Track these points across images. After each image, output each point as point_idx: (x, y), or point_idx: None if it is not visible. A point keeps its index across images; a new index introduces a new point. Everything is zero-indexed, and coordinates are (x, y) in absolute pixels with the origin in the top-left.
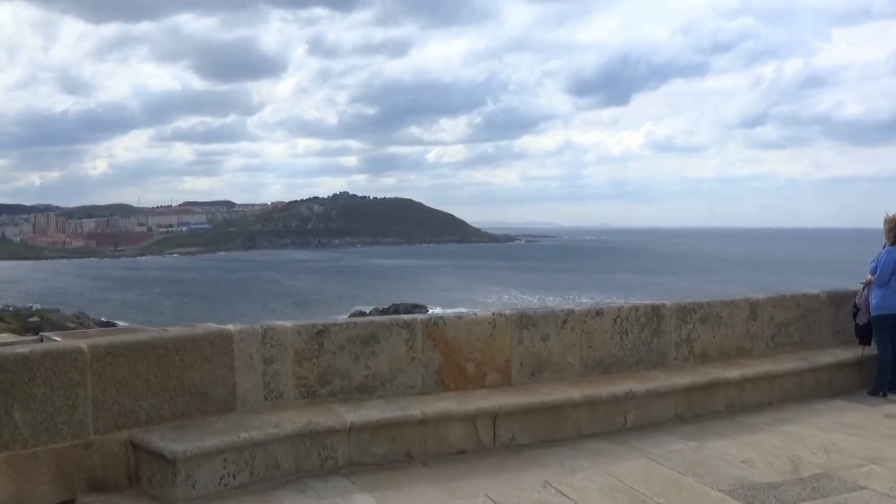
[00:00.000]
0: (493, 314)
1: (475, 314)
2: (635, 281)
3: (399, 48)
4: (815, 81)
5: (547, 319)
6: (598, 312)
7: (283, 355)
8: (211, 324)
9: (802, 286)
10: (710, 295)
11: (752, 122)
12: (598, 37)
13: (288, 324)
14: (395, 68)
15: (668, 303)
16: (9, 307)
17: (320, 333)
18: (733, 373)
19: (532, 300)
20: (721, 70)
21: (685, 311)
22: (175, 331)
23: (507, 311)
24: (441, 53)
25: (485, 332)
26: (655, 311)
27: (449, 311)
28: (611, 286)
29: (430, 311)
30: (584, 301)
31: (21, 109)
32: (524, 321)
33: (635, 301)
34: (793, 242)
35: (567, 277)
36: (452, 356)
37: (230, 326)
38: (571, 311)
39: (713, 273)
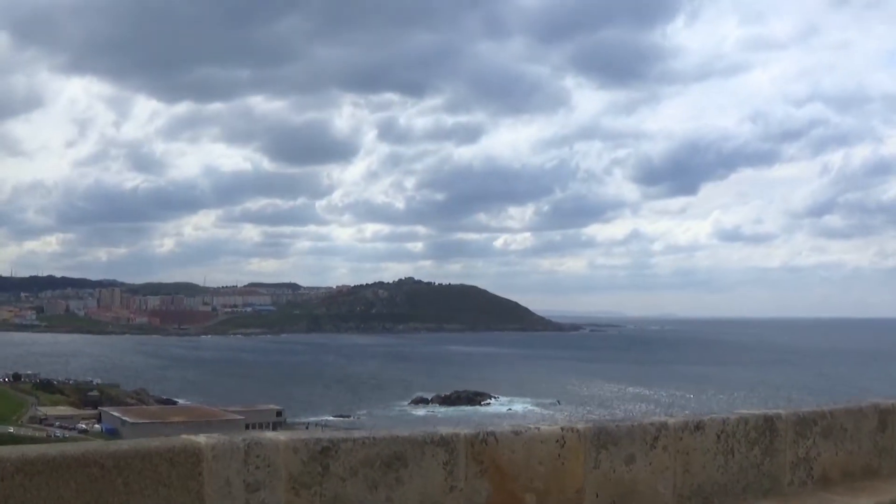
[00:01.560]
0: (563, 429)
1: (538, 429)
2: (705, 373)
3: (469, 134)
4: (882, 169)
5: (632, 436)
6: (699, 426)
7: (274, 481)
8: (183, 436)
9: (885, 380)
10: (796, 391)
11: (820, 210)
12: (667, 125)
13: (281, 437)
14: (465, 154)
15: (782, 412)
16: (69, 380)
17: (325, 452)
18: (864, 501)
19: (597, 389)
20: (789, 158)
21: (804, 423)
22: (123, 443)
23: (581, 425)
24: (510, 140)
25: (551, 452)
26: (769, 424)
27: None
28: (681, 378)
29: (494, 399)
30: (650, 393)
31: (90, 185)
32: (602, 438)
33: (714, 402)
34: (860, 332)
35: (634, 369)
36: (506, 485)
37: (201, 438)
38: (664, 425)
39: (784, 365)
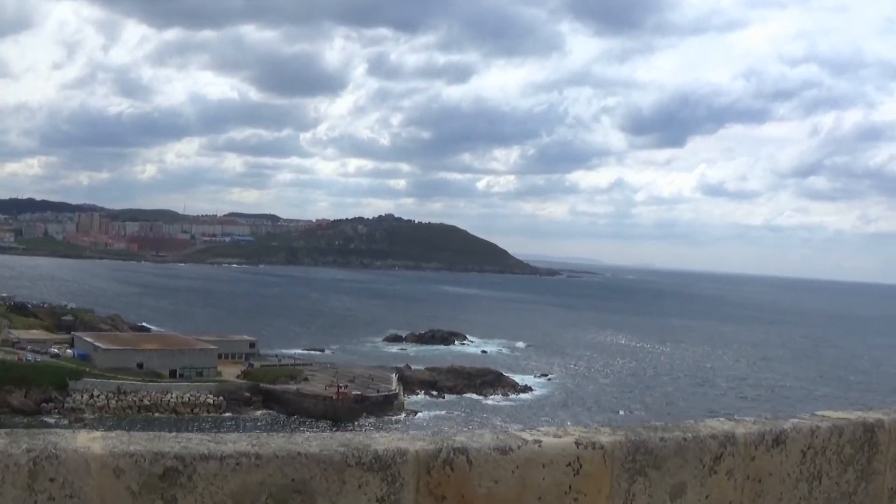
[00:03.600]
0: (578, 444)
1: (538, 444)
2: (685, 326)
3: (460, 74)
4: (872, 134)
5: (683, 455)
6: (778, 439)
7: None
8: None
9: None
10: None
11: (806, 171)
12: (659, 76)
13: (97, 446)
14: (454, 94)
15: (884, 417)
16: (44, 304)
17: (171, 477)
18: None
19: (571, 336)
20: (780, 117)
21: None
22: None
23: (606, 437)
24: (501, 82)
25: (558, 482)
26: (868, 436)
27: (486, 345)
28: (661, 330)
29: (468, 340)
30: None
31: (76, 108)
32: (640, 459)
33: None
34: (839, 295)
35: (611, 318)
36: None
37: None
38: (730, 438)
39: (765, 324)
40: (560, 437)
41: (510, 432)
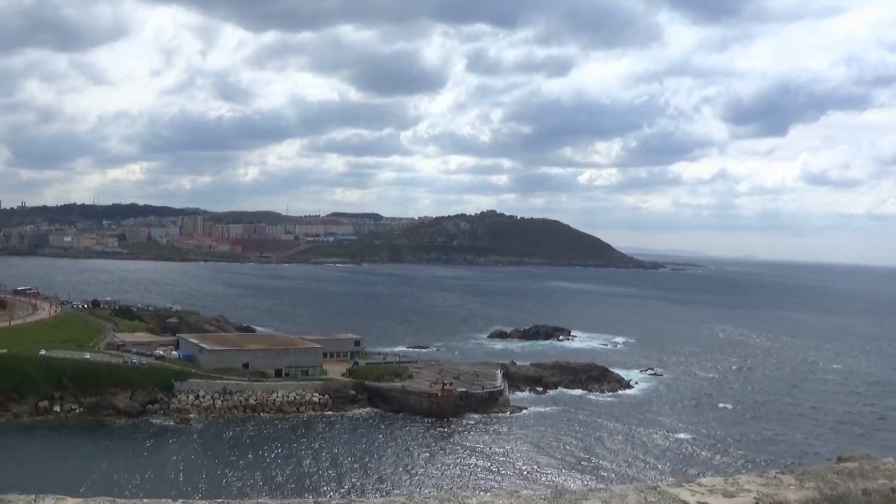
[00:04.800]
0: (759, 502)
1: None
2: (791, 318)
3: (559, 67)
4: None
5: None
6: None
7: None
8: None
9: None
10: None
11: None
12: (759, 64)
13: None
14: (554, 87)
15: None
16: (149, 307)
17: None
18: None
19: (676, 330)
20: (881, 104)
21: None
22: None
23: (792, 492)
24: (601, 74)
25: None
26: None
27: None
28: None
29: (572, 335)
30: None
31: (175, 114)
32: None
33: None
34: None
35: (717, 311)
36: None
37: None
38: None
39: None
40: (732, 495)
41: (664, 488)
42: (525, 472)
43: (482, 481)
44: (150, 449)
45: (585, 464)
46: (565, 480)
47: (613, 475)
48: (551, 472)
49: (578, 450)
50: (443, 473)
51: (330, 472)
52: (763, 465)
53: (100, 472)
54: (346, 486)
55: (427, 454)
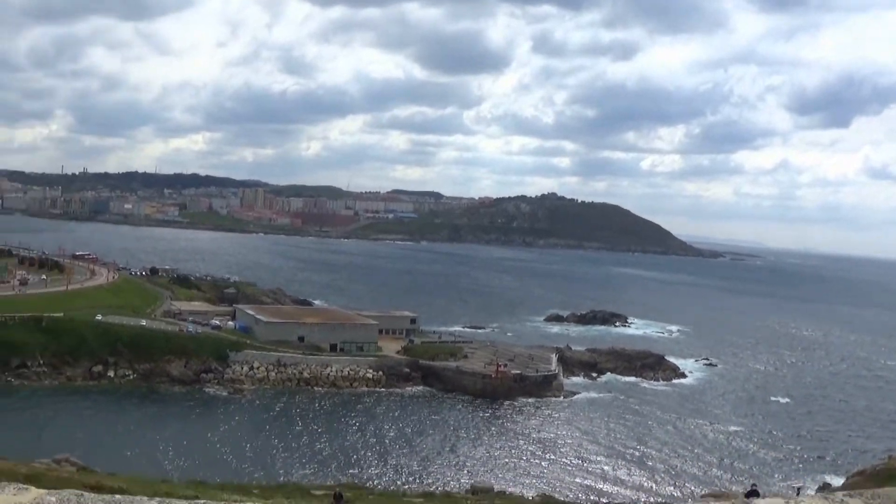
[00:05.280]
0: None
1: None
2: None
3: (625, 51)
4: None
5: None
6: None
7: None
8: None
9: None
10: None
11: None
12: (825, 54)
13: None
14: (619, 72)
15: None
16: (207, 276)
17: None
18: None
19: (734, 321)
20: None
21: None
22: None
23: None
24: (666, 60)
25: None
26: None
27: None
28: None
29: (629, 322)
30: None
31: (240, 86)
32: None
33: None
34: None
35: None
36: None
37: None
38: None
39: None
40: None
41: None
42: (572, 461)
43: (527, 467)
44: (201, 417)
45: (633, 453)
46: (612, 470)
47: (661, 466)
48: (598, 461)
49: (628, 439)
50: (490, 456)
51: (376, 448)
52: (813, 463)
53: (148, 439)
54: (390, 464)
55: (475, 436)
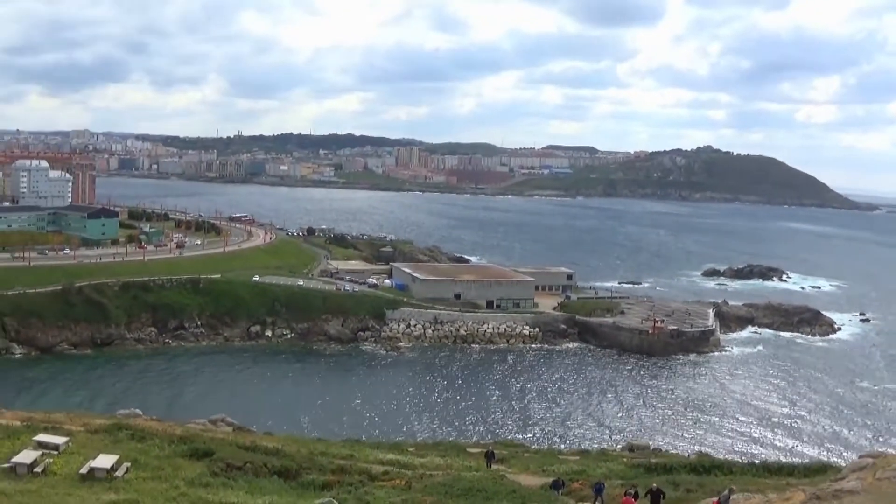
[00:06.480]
0: None
1: None
2: None
3: (778, 0)
4: None
5: None
6: None
7: None
8: None
9: None
10: None
11: None
12: None
13: None
14: (773, 21)
15: None
16: (363, 235)
17: None
18: None
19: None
20: None
21: None
22: None
23: None
24: (819, 8)
25: None
26: None
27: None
28: None
29: (787, 276)
30: None
31: (392, 45)
32: None
33: None
34: None
35: None
36: None
37: None
38: None
39: None
40: None
41: None
42: (726, 420)
43: (682, 424)
44: (358, 376)
45: (786, 412)
46: (765, 430)
47: (813, 427)
48: (751, 421)
49: (782, 398)
50: (645, 413)
51: (531, 405)
52: None
53: (304, 398)
54: (545, 421)
55: (631, 393)
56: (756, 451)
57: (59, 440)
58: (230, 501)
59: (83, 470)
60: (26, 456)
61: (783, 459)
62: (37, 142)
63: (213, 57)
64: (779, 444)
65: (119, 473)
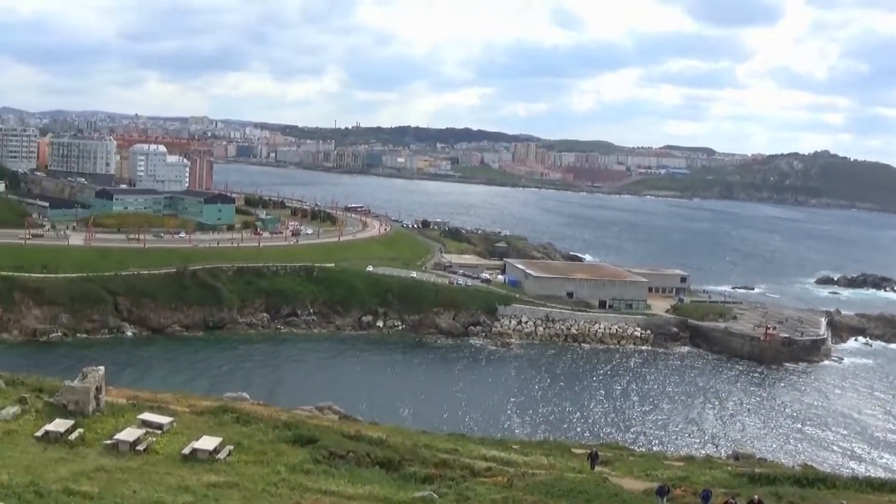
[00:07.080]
0: None
1: None
2: None
3: None
4: None
5: None
6: None
7: None
8: None
9: None
10: None
11: None
12: None
13: None
14: (892, 24)
15: None
16: (478, 230)
17: None
18: None
19: None
20: None
21: None
22: None
23: None
24: None
25: None
26: None
27: None
28: None
29: None
30: None
31: (511, 41)
32: None
33: None
34: None
35: None
36: None
37: None
38: None
39: None
40: None
41: None
42: (834, 432)
43: (788, 435)
44: (467, 370)
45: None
46: (872, 448)
47: None
48: (859, 436)
49: (886, 414)
50: (753, 422)
51: (639, 408)
52: None
53: (412, 390)
54: (652, 425)
55: (739, 401)
56: (858, 467)
57: (163, 420)
58: (329, 489)
59: (185, 450)
60: (129, 434)
61: (885, 476)
62: (155, 127)
63: (332, 48)
64: (884, 462)
65: (221, 456)
